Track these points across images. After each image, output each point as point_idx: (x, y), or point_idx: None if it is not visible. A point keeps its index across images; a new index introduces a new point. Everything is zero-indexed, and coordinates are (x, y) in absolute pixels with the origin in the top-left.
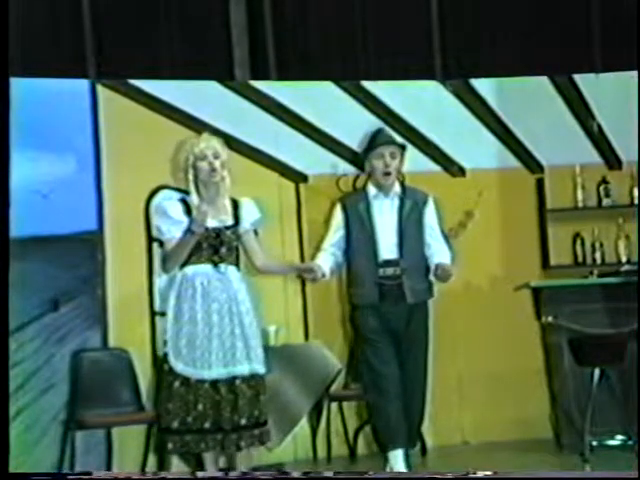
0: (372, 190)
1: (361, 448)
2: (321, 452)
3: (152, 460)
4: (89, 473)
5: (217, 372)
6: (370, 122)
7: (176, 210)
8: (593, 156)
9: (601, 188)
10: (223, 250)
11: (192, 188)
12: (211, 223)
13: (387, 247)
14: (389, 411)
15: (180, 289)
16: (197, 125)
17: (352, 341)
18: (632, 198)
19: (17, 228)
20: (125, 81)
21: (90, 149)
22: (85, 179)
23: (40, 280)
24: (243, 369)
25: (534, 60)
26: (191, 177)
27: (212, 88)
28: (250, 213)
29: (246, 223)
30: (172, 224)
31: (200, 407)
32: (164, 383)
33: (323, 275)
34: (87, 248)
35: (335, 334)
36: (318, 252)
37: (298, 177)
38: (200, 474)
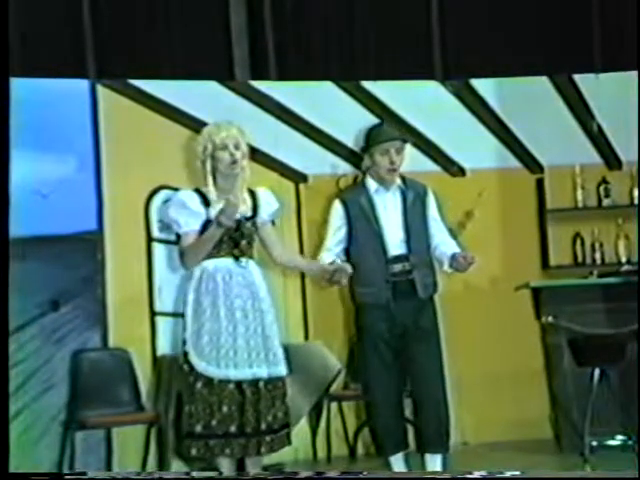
0: (372, 184)
1: (361, 448)
2: (321, 452)
3: (152, 460)
4: (89, 473)
5: (243, 372)
6: (370, 122)
7: (194, 202)
8: (593, 156)
9: (601, 188)
10: (243, 243)
11: (210, 179)
12: None
13: (395, 242)
14: (388, 414)
15: (200, 284)
16: (197, 125)
17: (352, 341)
18: (632, 198)
19: (17, 228)
20: (125, 81)
21: (90, 149)
22: (85, 179)
23: (40, 280)
24: (262, 372)
25: (534, 60)
26: (209, 167)
27: (212, 88)
28: (268, 204)
29: (264, 214)
30: (190, 216)
31: (225, 409)
32: (184, 384)
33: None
34: (87, 248)
35: (335, 334)
36: (322, 253)
37: (298, 177)
38: (200, 474)
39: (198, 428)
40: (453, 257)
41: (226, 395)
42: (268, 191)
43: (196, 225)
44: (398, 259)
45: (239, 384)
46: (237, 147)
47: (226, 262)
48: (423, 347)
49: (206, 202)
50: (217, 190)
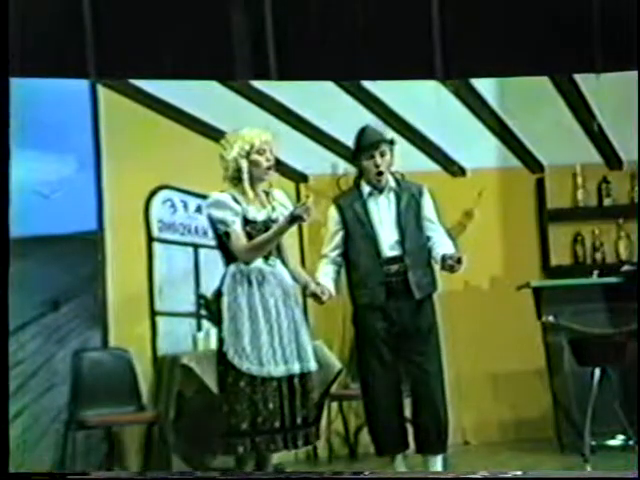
0: (366, 188)
1: (361, 448)
2: (321, 452)
3: (152, 460)
4: (89, 473)
5: (280, 369)
6: (370, 122)
7: (231, 201)
8: (593, 156)
9: (602, 188)
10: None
11: (246, 179)
12: (259, 216)
13: (389, 244)
14: (386, 414)
15: (234, 286)
16: (198, 125)
17: (353, 341)
18: (632, 198)
19: (17, 228)
20: (125, 81)
21: (90, 149)
22: (85, 179)
23: (40, 280)
24: (296, 367)
25: (534, 60)
26: (245, 169)
27: (212, 88)
28: (284, 206)
29: (281, 216)
30: (235, 215)
31: (271, 406)
32: (224, 385)
33: (330, 296)
34: (87, 248)
35: (335, 334)
36: (321, 259)
37: (298, 177)
38: (200, 474)
39: (244, 426)
40: (443, 259)
41: (270, 392)
42: (282, 192)
43: (239, 222)
44: (393, 260)
45: (279, 381)
46: (271, 152)
47: (257, 262)
48: (421, 347)
49: (237, 203)
50: (250, 190)
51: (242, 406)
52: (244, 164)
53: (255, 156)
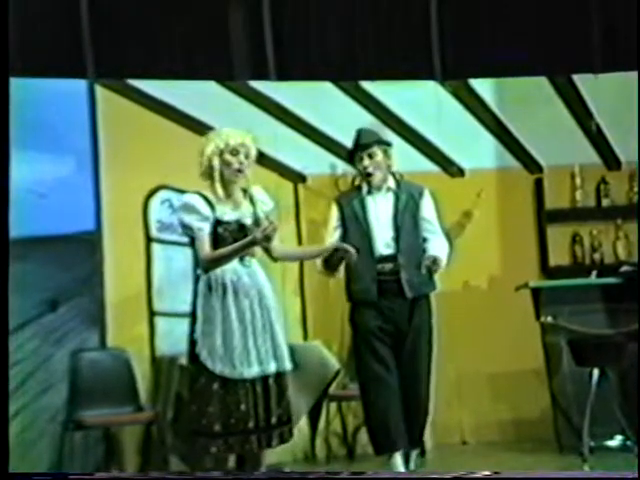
0: (365, 188)
1: (360, 448)
2: (320, 452)
3: (150, 460)
4: (88, 473)
5: (255, 370)
6: (369, 122)
7: (202, 205)
8: (592, 156)
9: (600, 188)
10: None
11: (217, 178)
12: (232, 216)
13: (384, 242)
14: (384, 413)
15: (209, 288)
16: (196, 125)
17: (351, 342)
18: (631, 198)
19: (15, 228)
20: (124, 81)
21: (88, 149)
22: (83, 179)
23: (38, 280)
24: (271, 368)
25: (534, 60)
26: (217, 167)
27: (211, 88)
28: (264, 203)
29: (261, 213)
30: (202, 220)
31: (243, 407)
32: (196, 385)
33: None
34: (85, 248)
35: (334, 334)
36: None
37: (297, 177)
38: (200, 474)
39: (217, 427)
40: (425, 259)
41: (243, 394)
42: (262, 190)
43: (208, 229)
44: (387, 259)
45: (253, 382)
46: (247, 156)
47: (232, 264)
48: (412, 345)
49: (209, 204)
50: (222, 191)
51: (215, 408)
52: (216, 162)
53: (227, 156)
